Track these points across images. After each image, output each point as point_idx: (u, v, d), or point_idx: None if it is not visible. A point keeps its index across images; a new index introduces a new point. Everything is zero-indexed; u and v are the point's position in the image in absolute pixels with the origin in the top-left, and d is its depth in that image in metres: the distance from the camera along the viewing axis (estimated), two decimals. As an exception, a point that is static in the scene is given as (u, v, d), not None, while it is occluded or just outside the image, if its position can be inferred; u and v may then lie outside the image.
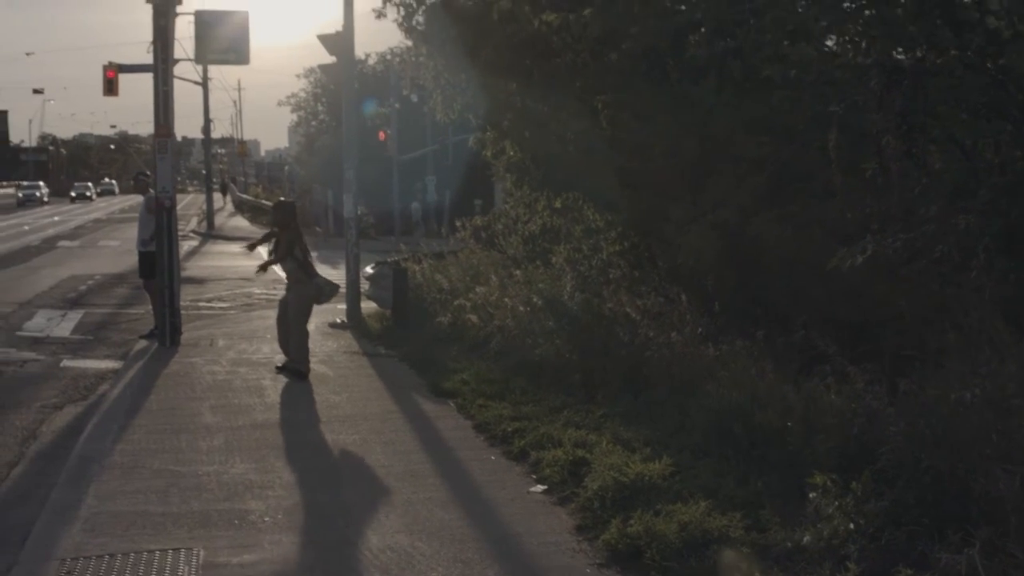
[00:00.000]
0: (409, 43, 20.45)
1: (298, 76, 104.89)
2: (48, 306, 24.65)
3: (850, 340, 11.13)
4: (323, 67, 23.45)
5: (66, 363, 17.38)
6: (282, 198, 15.80)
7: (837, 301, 11.87)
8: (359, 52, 22.93)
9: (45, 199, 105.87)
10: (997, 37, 8.54)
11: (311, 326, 15.63)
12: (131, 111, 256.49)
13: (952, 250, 7.92)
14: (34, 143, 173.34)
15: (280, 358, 15.66)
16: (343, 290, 20.84)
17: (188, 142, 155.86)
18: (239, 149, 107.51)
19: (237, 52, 31.68)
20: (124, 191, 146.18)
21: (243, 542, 8.32)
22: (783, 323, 11.51)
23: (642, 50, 14.92)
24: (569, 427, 11.14)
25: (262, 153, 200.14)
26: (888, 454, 7.62)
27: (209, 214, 64.98)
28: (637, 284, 14.39)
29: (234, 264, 37.91)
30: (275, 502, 9.38)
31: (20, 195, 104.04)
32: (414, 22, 17.68)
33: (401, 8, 17.58)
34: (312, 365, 15.43)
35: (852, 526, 7.25)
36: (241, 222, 72.55)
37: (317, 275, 15.44)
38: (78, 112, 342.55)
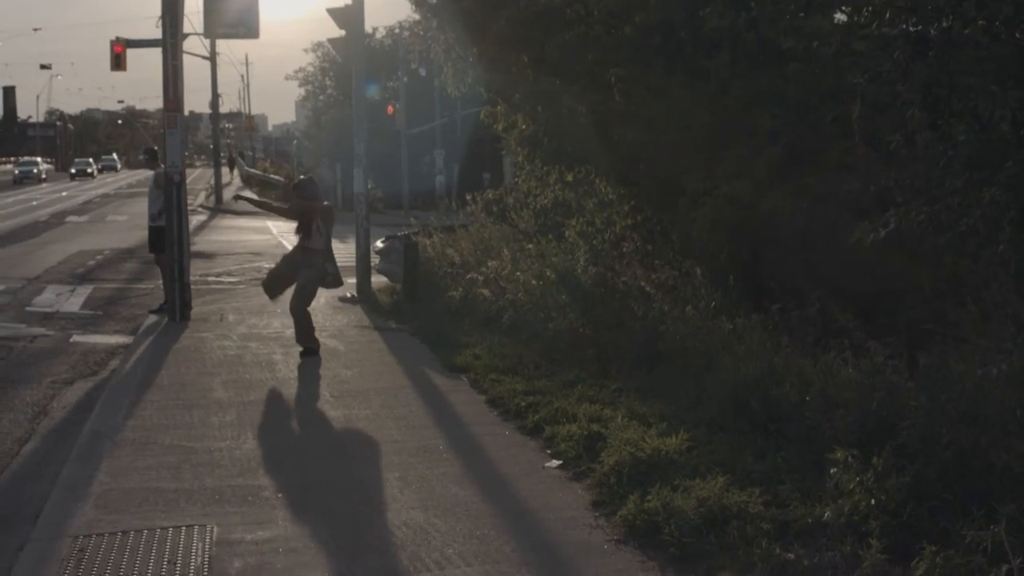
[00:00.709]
0: (418, 16, 20.36)
1: (306, 50, 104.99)
2: (57, 281, 24.62)
3: (864, 314, 11.08)
4: (332, 41, 23.29)
5: (76, 338, 17.32)
6: (302, 176, 15.53)
7: (851, 275, 11.79)
8: (367, 26, 22.97)
9: (43, 176, 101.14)
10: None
11: (321, 301, 15.57)
12: (139, 86, 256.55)
13: (978, 224, 7.81)
14: (41, 118, 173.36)
15: (292, 333, 15.54)
16: (353, 264, 20.84)
17: (196, 117, 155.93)
18: (247, 123, 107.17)
19: (246, 26, 31.64)
20: (133, 166, 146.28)
21: (257, 518, 8.25)
22: (798, 297, 11.41)
23: (656, 23, 14.80)
24: (583, 401, 11.05)
25: (270, 128, 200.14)
26: (909, 429, 7.52)
27: (217, 188, 64.94)
28: (650, 258, 14.28)
29: (243, 238, 37.91)
30: (288, 478, 9.31)
31: (16, 172, 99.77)
32: (424, -6, 17.57)
33: (411, -20, 17.45)
34: (323, 339, 15.36)
35: (873, 502, 7.15)
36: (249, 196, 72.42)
37: (332, 261, 15.23)
38: (85, 87, 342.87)
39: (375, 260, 22.13)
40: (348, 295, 20.51)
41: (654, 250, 14.43)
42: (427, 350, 15.27)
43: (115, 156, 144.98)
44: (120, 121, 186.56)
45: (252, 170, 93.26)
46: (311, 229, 14.93)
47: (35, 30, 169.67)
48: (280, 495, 8.83)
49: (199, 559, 7.46)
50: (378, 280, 21.63)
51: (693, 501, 7.74)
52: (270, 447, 10.30)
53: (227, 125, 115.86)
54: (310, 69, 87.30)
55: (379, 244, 22.59)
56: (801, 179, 12.69)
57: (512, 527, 8.01)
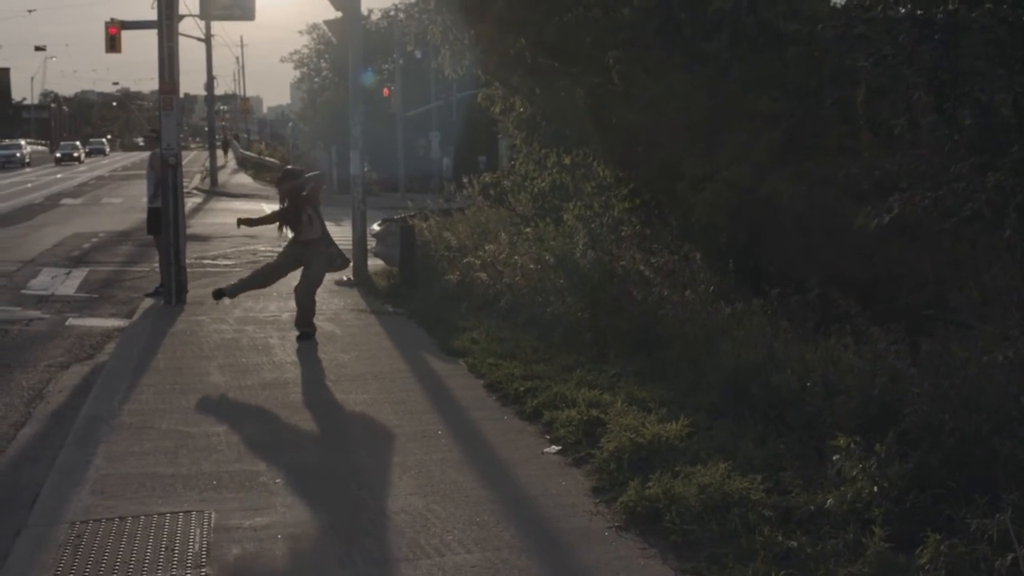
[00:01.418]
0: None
1: (301, 32, 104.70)
2: (52, 264, 24.55)
3: (863, 300, 11.04)
4: (328, 23, 23.19)
5: (72, 321, 17.26)
6: (289, 166, 15.30)
7: (849, 260, 11.75)
8: (363, 7, 22.79)
9: (28, 160, 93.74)
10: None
11: (318, 284, 15.42)
12: (134, 67, 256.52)
13: (983, 208, 7.75)
14: (36, 101, 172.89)
15: (289, 316, 15.46)
16: (350, 247, 20.76)
17: (190, 99, 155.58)
18: (242, 106, 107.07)
19: (242, 7, 31.51)
20: (128, 147, 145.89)
21: (255, 504, 8.19)
22: (796, 282, 11.36)
23: (655, 5, 14.75)
24: (582, 386, 10.99)
25: (264, 110, 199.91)
26: (912, 416, 7.47)
27: (212, 171, 64.84)
28: (648, 242, 14.22)
29: (238, 221, 37.73)
30: (286, 463, 9.25)
31: None
32: (422, -25, 17.49)
33: (408, -39, 17.36)
34: (319, 323, 15.29)
35: (875, 489, 7.11)
36: (244, 179, 72.42)
37: (333, 244, 15.17)
38: (80, 69, 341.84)
39: (372, 243, 22.06)
40: (344, 278, 20.43)
41: (652, 234, 14.38)
42: (424, 334, 15.21)
43: (104, 140, 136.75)
44: (115, 103, 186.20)
45: (247, 152, 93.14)
46: (301, 222, 14.89)
47: (29, 11, 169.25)
48: (278, 480, 8.77)
49: (197, 545, 7.41)
50: (374, 263, 21.58)
51: (694, 488, 7.69)
52: (267, 432, 10.24)
53: (222, 107, 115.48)
54: (305, 51, 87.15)
55: (376, 227, 22.53)
56: (800, 163, 12.64)
57: (512, 513, 7.96)
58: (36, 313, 17.86)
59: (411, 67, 59.72)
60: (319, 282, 15.19)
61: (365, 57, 22.96)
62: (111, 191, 55.61)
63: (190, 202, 44.69)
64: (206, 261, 25.42)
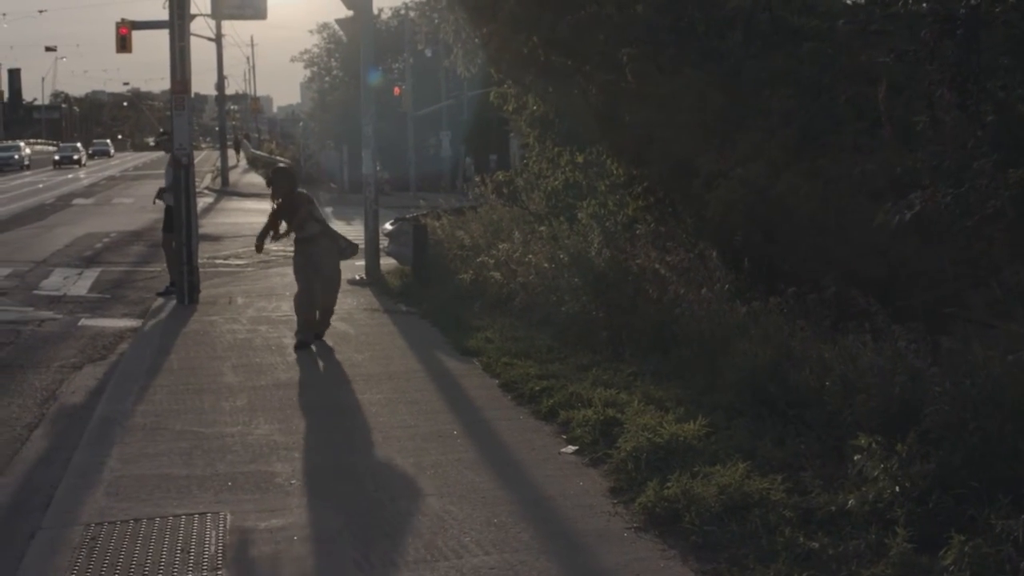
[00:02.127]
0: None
1: (311, 32, 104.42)
2: (64, 264, 24.54)
3: (878, 298, 10.97)
4: (340, 21, 23.13)
5: (84, 322, 17.23)
6: (280, 164, 14.95)
7: (864, 258, 11.67)
8: (374, 6, 22.59)
9: (26, 162, 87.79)
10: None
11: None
12: (144, 68, 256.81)
13: (1005, 206, 7.66)
14: (47, 101, 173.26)
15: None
16: (362, 247, 20.69)
17: (201, 99, 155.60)
18: (252, 105, 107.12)
19: (254, 6, 31.42)
20: (138, 147, 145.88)
21: (270, 506, 8.14)
22: (811, 280, 11.27)
23: (668, 2, 14.68)
24: (598, 386, 10.93)
25: (275, 109, 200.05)
26: (933, 415, 7.39)
27: (223, 170, 64.85)
28: (662, 240, 14.14)
29: (250, 221, 37.75)
30: (301, 464, 9.21)
31: None
32: (434, -26, 17.43)
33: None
34: (333, 322, 15.20)
35: (897, 489, 7.03)
36: (255, 178, 72.35)
37: (339, 235, 15.11)
38: (91, 69, 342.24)
39: (384, 242, 22.01)
40: (357, 277, 20.40)
41: (667, 232, 14.29)
42: (438, 333, 15.15)
43: (108, 141, 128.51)
44: (125, 103, 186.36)
45: (258, 152, 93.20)
46: (299, 216, 14.55)
47: (40, 12, 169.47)
48: (293, 481, 8.73)
49: (213, 547, 7.36)
50: (387, 262, 21.52)
51: (714, 488, 7.62)
52: (282, 433, 10.18)
53: (232, 107, 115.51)
54: (315, 51, 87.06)
55: (388, 226, 22.49)
56: (815, 161, 12.56)
57: (529, 514, 7.90)
58: (48, 314, 17.83)
59: (421, 66, 59.74)
60: (339, 279, 15.11)
61: (376, 56, 22.90)
62: (122, 191, 55.63)
63: (201, 202, 44.64)
64: (218, 261, 25.40)
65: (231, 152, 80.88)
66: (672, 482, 7.85)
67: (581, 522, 7.73)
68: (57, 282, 21.69)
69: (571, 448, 9.47)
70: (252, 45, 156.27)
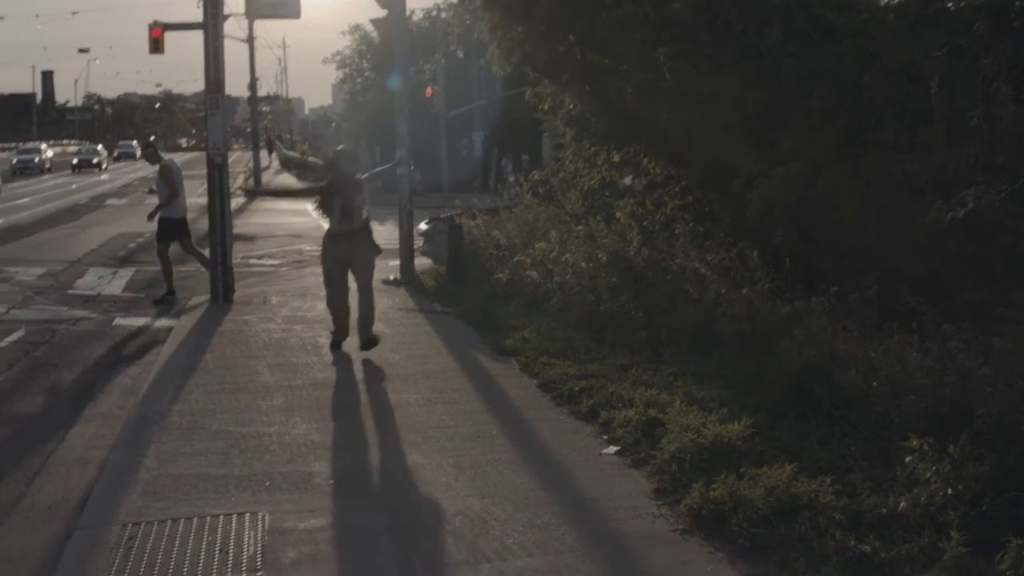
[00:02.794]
0: (459, -4, 20.14)
1: (343, 33, 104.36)
2: (98, 264, 24.60)
3: (922, 297, 10.81)
4: (374, 21, 23.27)
5: (119, 321, 17.22)
6: (341, 146, 14.29)
7: (906, 257, 11.51)
8: (406, 6, 22.33)
9: (47, 165, 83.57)
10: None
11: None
12: (176, 70, 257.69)
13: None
14: (80, 103, 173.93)
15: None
16: (396, 246, 20.58)
17: (232, 100, 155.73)
18: (285, 106, 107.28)
19: (287, 5, 31.31)
20: (171, 148, 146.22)
21: (309, 506, 8.04)
22: (854, 280, 11.11)
23: (704, 0, 14.52)
24: (639, 386, 10.77)
25: (306, 111, 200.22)
26: (986, 416, 7.23)
27: (256, 171, 64.92)
28: (701, 239, 13.99)
29: (283, 221, 37.84)
30: (339, 464, 9.12)
31: (14, 161, 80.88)
32: (469, -29, 17.27)
33: (456, -43, 17.18)
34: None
35: (950, 491, 6.86)
36: (288, 179, 72.49)
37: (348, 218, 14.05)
38: (123, 71, 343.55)
39: (419, 242, 21.92)
40: (392, 277, 20.29)
41: (705, 232, 14.14)
42: (474, 333, 15.03)
43: (133, 143, 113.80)
44: (158, 105, 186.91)
45: (290, 153, 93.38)
46: (358, 206, 13.86)
47: (73, 14, 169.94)
48: (332, 482, 8.63)
49: (251, 548, 7.27)
50: (421, 262, 21.41)
51: (761, 490, 7.47)
52: (320, 432, 10.09)
53: (264, 108, 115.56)
54: (347, 52, 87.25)
55: (423, 226, 22.41)
56: (856, 160, 12.41)
57: (572, 516, 7.77)
58: (83, 313, 17.82)
59: (453, 67, 59.64)
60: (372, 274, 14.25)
61: (408, 56, 22.77)
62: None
63: (234, 203, 44.61)
64: (252, 261, 25.38)
65: (263, 153, 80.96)
66: (718, 484, 7.70)
67: (625, 524, 7.60)
68: (91, 281, 21.73)
69: (613, 449, 9.34)
70: (284, 47, 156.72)
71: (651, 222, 15.06)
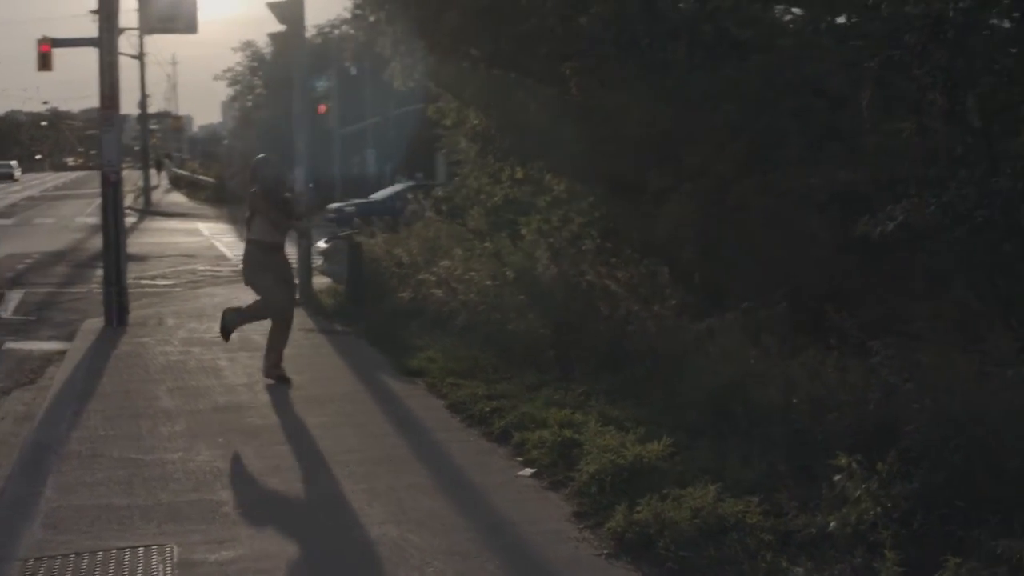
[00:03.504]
0: (360, 10, 19.85)
1: (234, 49, 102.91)
2: (-15, 286, 23.87)
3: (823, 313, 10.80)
4: (272, 35, 22.72)
5: (10, 345, 16.69)
6: (261, 155, 13.20)
7: (809, 274, 11.51)
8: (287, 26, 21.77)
9: None
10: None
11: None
12: (63, 87, 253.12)
13: (997, 215, 7.43)
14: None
15: (237, 336, 14.04)
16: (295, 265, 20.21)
17: (120, 118, 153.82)
18: (174, 124, 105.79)
19: (184, 20, 30.67)
20: (57, 168, 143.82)
21: (219, 537, 7.73)
22: (763, 296, 11.04)
23: (611, 14, 14.44)
24: (551, 406, 10.56)
25: (195, 128, 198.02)
26: (912, 433, 7.14)
27: (146, 190, 63.90)
28: (608, 256, 13.87)
29: (174, 240, 37.24)
30: (248, 492, 8.81)
31: None
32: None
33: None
34: (261, 339, 14.54)
35: (879, 510, 6.75)
36: (179, 198, 71.46)
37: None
38: (9, 88, 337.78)
39: (317, 261, 21.56)
40: (289, 296, 19.88)
41: (612, 248, 14.02)
42: (378, 353, 14.73)
43: (12, 163, 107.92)
44: (44, 123, 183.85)
45: (180, 171, 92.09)
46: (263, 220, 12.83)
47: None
48: (240, 511, 8.31)
49: (161, 582, 6.96)
50: (320, 281, 21.04)
51: (687, 512, 7.31)
52: (225, 459, 9.76)
53: (153, 126, 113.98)
54: (239, 68, 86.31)
55: (322, 244, 22.05)
56: (764, 175, 12.38)
57: (493, 542, 7.55)
58: (-29, 337, 17.25)
59: (346, 84, 59.30)
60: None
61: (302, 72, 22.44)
62: (42, 212, 54.57)
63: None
64: (144, 282, 24.80)
65: (152, 172, 79.70)
66: (642, 506, 7.53)
67: (548, 549, 7.40)
68: (-22, 305, 21.08)
69: (528, 471, 9.14)
70: (174, 63, 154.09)
71: (557, 239, 14.89)
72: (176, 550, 7.44)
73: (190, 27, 30.41)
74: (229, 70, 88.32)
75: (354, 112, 59.35)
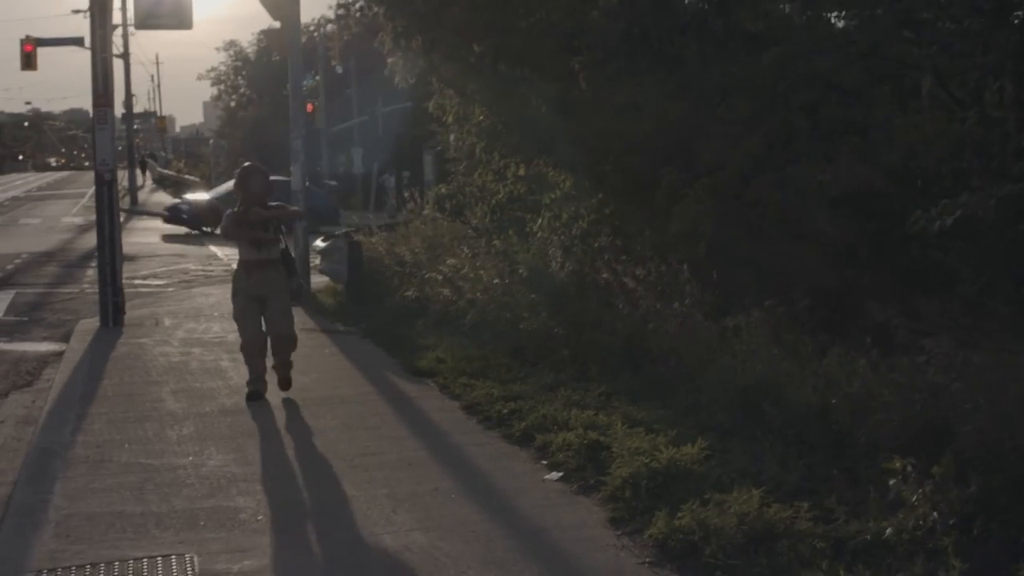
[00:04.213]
0: (354, 6, 19.56)
1: (218, 49, 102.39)
2: (-27, 288, 23.49)
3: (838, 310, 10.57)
4: (265, 32, 22.47)
5: (3, 346, 16.35)
6: (247, 163, 12.55)
7: (826, 270, 11.27)
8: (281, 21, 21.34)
9: None
10: None
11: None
12: (46, 87, 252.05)
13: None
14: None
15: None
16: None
17: (113, 116, 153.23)
18: (158, 124, 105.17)
19: (179, 15, 30.17)
20: (40, 168, 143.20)
21: (240, 545, 7.41)
22: (781, 293, 10.76)
23: (620, 8, 14.16)
24: (571, 407, 10.27)
25: (177, 128, 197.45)
26: (971, 434, 6.84)
27: (132, 190, 63.45)
28: (619, 253, 13.57)
29: (163, 240, 36.85)
30: (265, 498, 8.49)
31: None
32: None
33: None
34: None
35: (936, 515, 6.47)
36: (164, 197, 70.89)
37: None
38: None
39: (315, 260, 21.25)
40: (288, 297, 19.56)
41: (624, 245, 13.71)
42: (383, 353, 14.41)
43: None
44: (27, 123, 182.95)
45: (165, 171, 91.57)
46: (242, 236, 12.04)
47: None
48: (260, 518, 8.00)
49: (183, 595, 6.64)
50: (318, 280, 20.72)
51: (732, 518, 6.99)
52: (238, 463, 9.44)
53: (137, 126, 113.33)
54: (222, 68, 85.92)
55: (319, 243, 21.74)
56: (782, 169, 12.12)
57: (529, 549, 7.24)
58: (-36, 339, 16.90)
59: (333, 82, 58.95)
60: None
61: (285, 73, 22.15)
62: (28, 211, 54.10)
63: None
64: (136, 281, 24.40)
65: (137, 172, 79.16)
66: (684, 511, 7.22)
67: (587, 557, 7.08)
68: (-32, 307, 20.70)
69: (555, 475, 8.82)
70: (157, 63, 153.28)
71: (567, 236, 14.56)
72: (196, 560, 7.13)
73: (184, 23, 29.87)
74: (213, 70, 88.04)
75: (340, 111, 59.03)
